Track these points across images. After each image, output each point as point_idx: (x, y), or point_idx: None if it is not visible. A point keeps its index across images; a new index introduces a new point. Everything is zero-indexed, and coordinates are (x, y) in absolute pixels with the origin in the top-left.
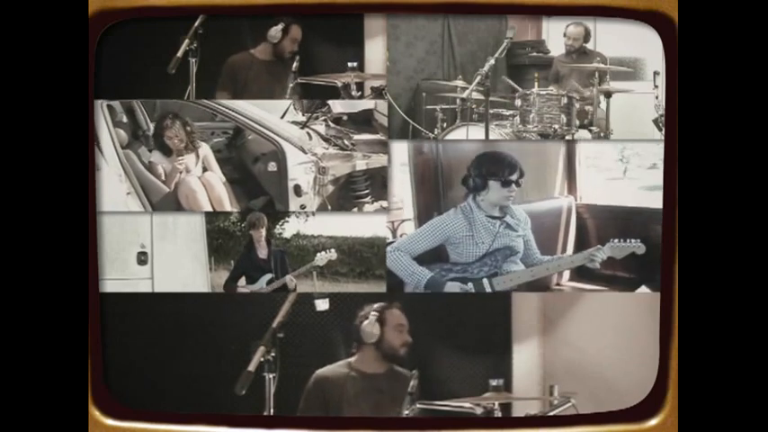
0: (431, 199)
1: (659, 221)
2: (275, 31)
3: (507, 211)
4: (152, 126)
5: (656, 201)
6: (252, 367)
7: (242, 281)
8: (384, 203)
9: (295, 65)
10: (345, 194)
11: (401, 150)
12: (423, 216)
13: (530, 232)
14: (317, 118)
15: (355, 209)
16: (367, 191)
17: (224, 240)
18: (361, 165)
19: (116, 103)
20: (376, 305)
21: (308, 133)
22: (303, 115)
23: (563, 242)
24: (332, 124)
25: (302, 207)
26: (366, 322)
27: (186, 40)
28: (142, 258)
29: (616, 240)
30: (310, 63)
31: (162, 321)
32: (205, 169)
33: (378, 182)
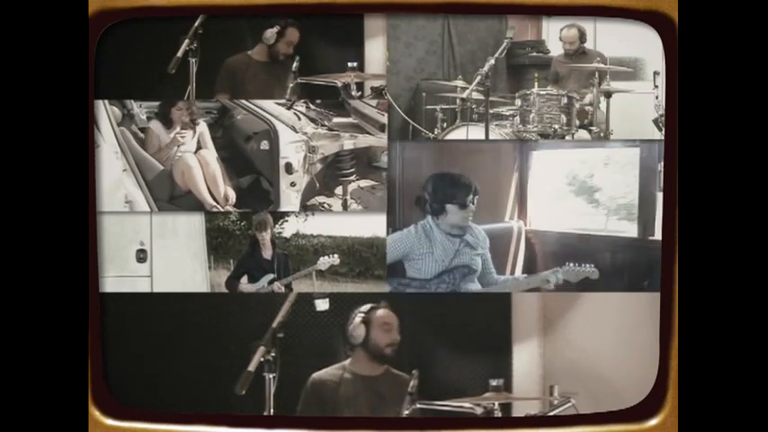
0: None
1: (611, 248)
2: (270, 33)
3: (467, 230)
4: (135, 105)
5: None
6: (252, 367)
7: (243, 279)
8: (367, 183)
9: (295, 65)
10: (332, 173)
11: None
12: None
13: (488, 251)
14: (299, 99)
15: (339, 187)
16: (352, 170)
17: (223, 239)
18: (348, 144)
19: None
20: (363, 307)
21: (296, 114)
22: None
23: (512, 263)
24: (312, 106)
25: (292, 184)
26: (351, 324)
27: (186, 40)
28: (141, 256)
29: (572, 264)
30: (310, 63)
31: (162, 322)
32: (199, 147)
33: (363, 161)
